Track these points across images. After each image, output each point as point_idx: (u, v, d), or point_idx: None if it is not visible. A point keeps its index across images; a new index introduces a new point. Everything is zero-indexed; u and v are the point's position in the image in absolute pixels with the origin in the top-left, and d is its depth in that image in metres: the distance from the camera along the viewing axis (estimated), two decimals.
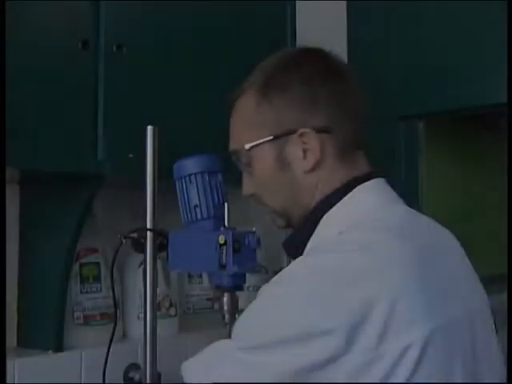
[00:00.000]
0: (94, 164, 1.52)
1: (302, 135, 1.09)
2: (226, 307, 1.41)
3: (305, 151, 1.10)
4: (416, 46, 2.42)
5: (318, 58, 1.15)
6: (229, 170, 1.42)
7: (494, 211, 2.59)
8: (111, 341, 1.49)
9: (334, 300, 0.91)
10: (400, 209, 1.11)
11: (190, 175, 1.40)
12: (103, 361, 1.48)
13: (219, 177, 1.42)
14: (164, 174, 1.46)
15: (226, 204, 1.39)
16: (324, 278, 0.93)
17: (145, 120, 1.49)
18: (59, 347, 1.60)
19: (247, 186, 1.21)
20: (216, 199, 1.39)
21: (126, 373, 1.68)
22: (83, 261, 1.71)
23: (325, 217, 1.10)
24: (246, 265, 1.34)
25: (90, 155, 1.51)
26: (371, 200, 1.10)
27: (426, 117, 2.43)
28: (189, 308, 1.97)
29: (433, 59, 2.36)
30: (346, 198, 1.09)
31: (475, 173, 2.83)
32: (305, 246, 1.11)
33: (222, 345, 0.99)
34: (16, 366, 1.52)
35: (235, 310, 1.43)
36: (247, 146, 1.14)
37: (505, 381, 1.09)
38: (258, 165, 1.15)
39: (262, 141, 1.13)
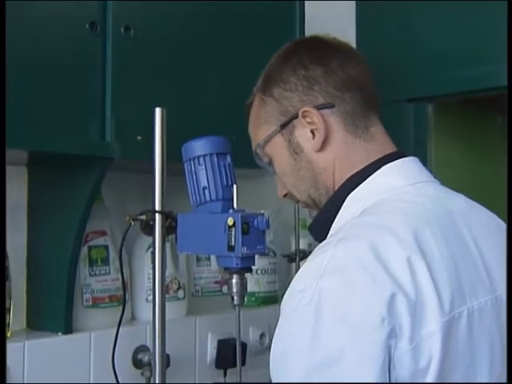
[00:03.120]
0: (102, 146, 1.51)
1: (304, 116, 1.11)
2: (234, 289, 1.42)
3: (312, 131, 1.11)
4: (424, 30, 2.40)
5: (307, 44, 1.18)
6: (237, 152, 1.42)
7: (504, 193, 2.58)
8: (120, 323, 1.50)
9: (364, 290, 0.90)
10: (430, 191, 1.08)
11: (198, 157, 1.40)
12: (112, 343, 1.49)
13: (228, 158, 1.42)
14: (172, 156, 1.46)
15: (234, 186, 1.39)
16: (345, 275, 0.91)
17: (153, 102, 1.48)
18: (68, 329, 1.60)
19: (279, 188, 1.22)
20: (225, 181, 1.39)
21: (134, 355, 1.69)
22: (92, 243, 1.71)
23: (349, 197, 1.08)
24: (254, 247, 1.34)
25: (99, 137, 1.51)
26: (398, 180, 1.07)
27: (435, 99, 2.42)
28: (197, 290, 1.97)
29: (441, 42, 2.35)
30: (371, 178, 1.08)
31: (484, 155, 2.82)
32: (329, 228, 1.10)
33: None
34: (26, 348, 1.52)
35: (244, 293, 1.43)
36: (261, 143, 1.17)
37: None
38: (276, 159, 1.17)
39: (270, 133, 1.15)
